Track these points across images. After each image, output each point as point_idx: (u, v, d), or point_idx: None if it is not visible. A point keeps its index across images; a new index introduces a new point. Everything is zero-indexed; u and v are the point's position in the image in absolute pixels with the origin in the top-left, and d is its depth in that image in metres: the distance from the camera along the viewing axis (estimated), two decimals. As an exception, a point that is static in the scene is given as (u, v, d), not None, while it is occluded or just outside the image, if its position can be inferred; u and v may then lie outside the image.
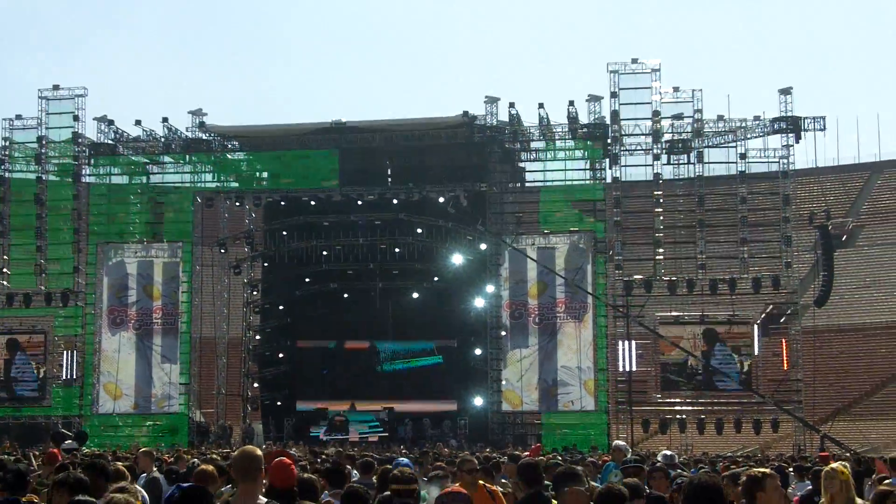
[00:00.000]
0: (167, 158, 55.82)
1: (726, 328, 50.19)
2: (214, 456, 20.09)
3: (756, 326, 50.36)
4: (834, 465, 11.04)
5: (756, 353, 50.34)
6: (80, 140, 54.52)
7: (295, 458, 14.50)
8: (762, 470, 8.73)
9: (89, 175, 55.64)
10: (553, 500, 9.62)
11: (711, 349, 50.17)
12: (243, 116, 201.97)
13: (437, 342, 56.74)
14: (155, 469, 15.91)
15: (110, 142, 54.87)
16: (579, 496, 8.32)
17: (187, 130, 54.94)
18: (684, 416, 49.66)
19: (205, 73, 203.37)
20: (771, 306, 50.41)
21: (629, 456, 16.54)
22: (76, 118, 54.21)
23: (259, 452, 8.21)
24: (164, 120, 54.70)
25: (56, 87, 54.72)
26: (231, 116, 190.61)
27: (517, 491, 10.61)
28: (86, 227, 54.46)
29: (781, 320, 50.61)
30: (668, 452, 17.56)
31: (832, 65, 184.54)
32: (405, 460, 13.76)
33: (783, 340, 50.36)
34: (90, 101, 54.53)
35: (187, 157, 55.19)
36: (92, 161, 55.13)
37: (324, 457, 22.21)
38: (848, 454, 35.61)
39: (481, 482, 11.70)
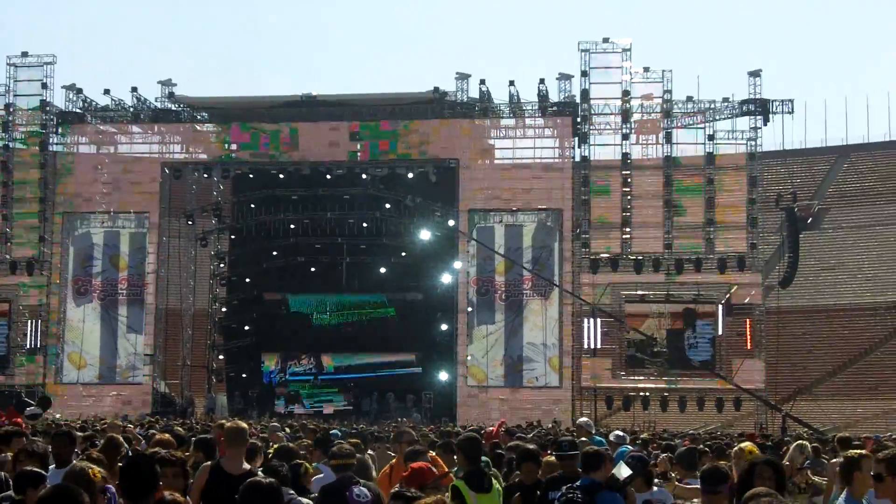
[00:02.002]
0: (136, 128, 55.55)
1: (693, 307, 50.59)
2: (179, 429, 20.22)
3: (720, 306, 50.70)
4: (742, 444, 11.08)
5: (720, 332, 50.71)
6: (47, 108, 54.19)
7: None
8: (859, 451, 8.89)
9: (57, 143, 55.24)
10: (493, 478, 9.72)
11: (691, 326, 50.49)
12: (213, 88, 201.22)
13: (392, 294, 56.97)
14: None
15: (78, 110, 54.61)
16: None
17: (156, 101, 54.77)
18: (647, 394, 49.96)
19: (175, 44, 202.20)
20: (736, 286, 50.68)
21: (593, 433, 16.76)
22: (44, 86, 53.87)
23: (245, 425, 9.81)
24: (134, 90, 54.55)
25: (25, 54, 54.33)
26: (201, 88, 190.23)
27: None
28: (52, 196, 54.11)
29: (746, 300, 50.92)
30: (620, 433, 17.90)
31: (802, 48, 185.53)
32: (336, 432, 13.91)
33: (747, 320, 50.68)
34: (59, 68, 53.94)
35: (155, 127, 54.94)
36: (59, 129, 54.76)
37: (287, 429, 22.31)
38: (809, 433, 35.98)
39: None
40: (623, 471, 9.71)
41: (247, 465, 9.29)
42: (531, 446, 11.36)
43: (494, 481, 9.72)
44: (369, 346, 56.24)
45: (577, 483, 9.38)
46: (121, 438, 11.55)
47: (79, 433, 14.12)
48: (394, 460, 11.39)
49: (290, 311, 57.67)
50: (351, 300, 57.72)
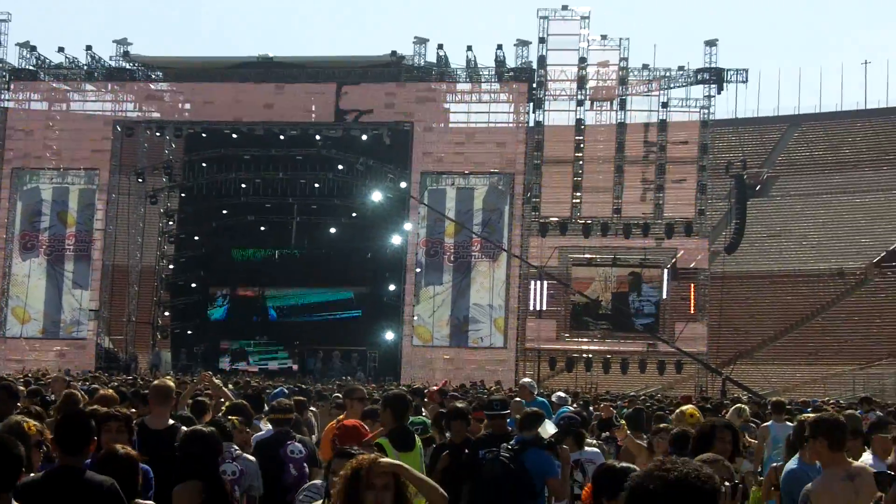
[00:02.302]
0: (89, 86, 55.22)
1: (639, 271, 51.12)
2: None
3: (666, 271, 51.27)
4: (684, 407, 11.30)
5: (665, 296, 51.32)
6: (0, 65, 53.68)
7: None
8: (812, 416, 9.36)
9: (8, 100, 54.86)
10: (416, 437, 9.92)
11: (638, 291, 51.02)
12: (169, 48, 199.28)
13: (354, 289, 56.90)
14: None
15: (32, 68, 54.19)
16: (886, 443, 9.30)
17: (111, 59, 54.42)
18: (590, 356, 50.47)
19: (131, 3, 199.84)
20: (682, 251, 51.23)
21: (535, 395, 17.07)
22: (-2, 43, 53.38)
23: (171, 383, 10.48)
24: (88, 48, 54.16)
25: (-22, 12, 53.83)
26: (156, 47, 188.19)
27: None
28: (2, 152, 53.76)
29: (691, 265, 51.49)
30: (562, 394, 18.29)
31: (758, 19, 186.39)
32: (282, 390, 14.20)
33: (691, 285, 51.32)
34: (13, 26, 53.45)
35: (109, 85, 54.63)
36: (12, 86, 54.34)
37: (231, 386, 22.52)
38: (747, 396, 36.66)
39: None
40: (548, 429, 10.02)
41: (171, 421, 9.62)
42: (460, 404, 11.34)
43: (417, 439, 9.73)
44: (328, 341, 56.04)
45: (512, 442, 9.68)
46: (80, 395, 11.73)
47: (21, 388, 14.26)
48: (341, 416, 11.53)
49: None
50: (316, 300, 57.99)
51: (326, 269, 55.95)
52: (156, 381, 10.71)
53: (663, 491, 3.36)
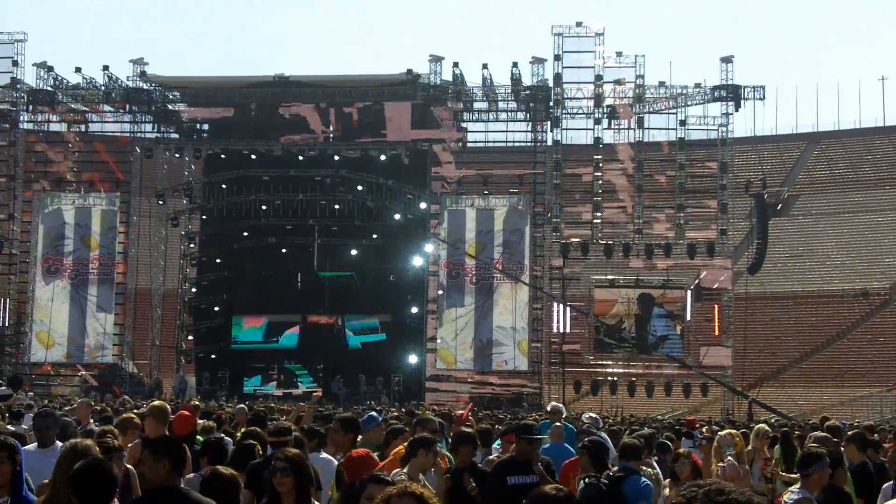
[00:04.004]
0: (107, 107, 55.23)
1: (661, 293, 50.75)
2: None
3: (689, 292, 50.92)
4: (732, 431, 10.90)
5: (688, 318, 50.96)
6: (18, 86, 53.70)
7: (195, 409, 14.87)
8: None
9: (27, 122, 54.87)
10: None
11: (648, 313, 50.67)
12: (185, 67, 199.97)
13: (379, 317, 56.23)
14: (92, 421, 15.71)
15: (49, 88, 54.14)
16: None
17: (128, 79, 54.38)
18: (615, 379, 50.16)
19: (147, 23, 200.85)
20: (705, 272, 50.94)
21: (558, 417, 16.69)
22: (15, 63, 53.32)
23: (167, 406, 11.10)
24: (105, 68, 54.07)
25: (-6, 31, 53.84)
26: (173, 67, 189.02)
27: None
28: (22, 173, 53.75)
29: (714, 286, 51.15)
30: (594, 415, 17.87)
31: (774, 35, 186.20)
32: (374, 415, 13.79)
33: (715, 306, 50.95)
34: (30, 46, 53.57)
35: (127, 106, 54.62)
36: (30, 107, 54.37)
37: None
38: (775, 419, 36.24)
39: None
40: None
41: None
42: (468, 430, 11.20)
43: None
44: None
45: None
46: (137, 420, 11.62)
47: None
48: (400, 447, 11.31)
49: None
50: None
51: (352, 296, 55.45)
52: (155, 402, 11.41)
53: None
